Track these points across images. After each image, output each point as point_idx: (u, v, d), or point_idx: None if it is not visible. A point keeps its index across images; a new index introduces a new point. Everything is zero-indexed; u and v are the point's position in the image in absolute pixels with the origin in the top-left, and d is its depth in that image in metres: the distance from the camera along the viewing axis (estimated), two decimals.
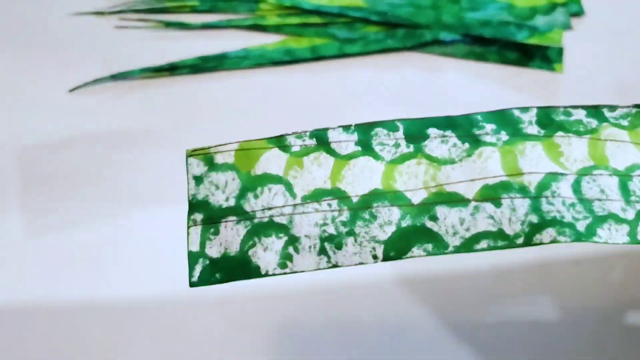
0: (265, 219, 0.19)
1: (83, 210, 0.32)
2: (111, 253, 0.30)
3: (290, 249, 0.18)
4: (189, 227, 0.19)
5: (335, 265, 0.18)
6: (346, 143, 0.19)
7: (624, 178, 0.19)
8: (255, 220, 0.19)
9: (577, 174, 0.19)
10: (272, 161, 0.19)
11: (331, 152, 0.19)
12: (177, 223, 0.32)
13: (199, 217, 0.19)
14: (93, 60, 0.40)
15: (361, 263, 0.18)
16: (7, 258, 0.30)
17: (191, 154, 0.19)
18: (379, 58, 0.40)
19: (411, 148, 0.20)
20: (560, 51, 0.39)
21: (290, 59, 0.39)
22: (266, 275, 0.18)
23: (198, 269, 0.19)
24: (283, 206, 0.19)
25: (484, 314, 0.28)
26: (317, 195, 0.19)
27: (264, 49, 0.40)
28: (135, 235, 0.31)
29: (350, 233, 0.18)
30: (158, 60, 0.39)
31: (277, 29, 0.42)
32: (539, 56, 0.39)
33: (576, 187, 0.19)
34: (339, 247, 0.18)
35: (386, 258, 0.18)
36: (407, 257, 0.18)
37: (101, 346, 0.28)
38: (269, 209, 0.19)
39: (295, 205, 0.19)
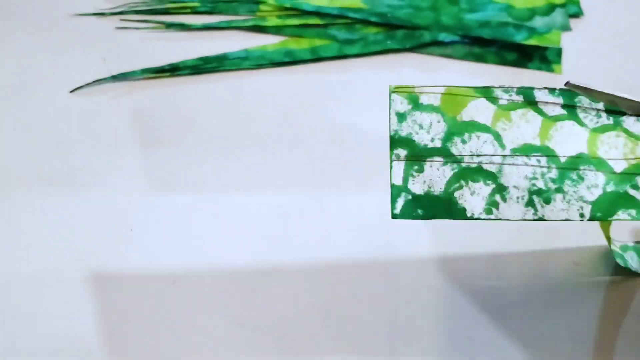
0: (474, 165, 0.19)
1: (83, 210, 0.32)
2: (111, 255, 0.31)
3: (497, 197, 0.19)
4: (391, 161, 0.20)
5: (541, 219, 0.19)
6: (553, 105, 0.20)
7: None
8: (463, 164, 0.19)
9: None
10: (479, 110, 0.20)
11: (539, 111, 0.20)
12: (176, 222, 0.32)
13: (402, 152, 0.20)
14: (94, 61, 0.40)
15: (568, 219, 0.19)
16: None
17: (395, 90, 0.20)
18: (378, 58, 0.40)
19: (611, 120, 0.20)
20: (559, 52, 0.39)
21: (290, 60, 0.40)
22: (471, 218, 0.19)
23: (400, 202, 0.20)
24: (492, 155, 0.19)
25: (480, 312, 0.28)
26: (526, 150, 0.19)
27: (264, 50, 0.40)
28: (134, 233, 0.31)
29: (559, 190, 0.19)
30: (159, 61, 0.40)
31: (277, 30, 0.42)
32: (538, 57, 0.39)
33: (611, 175, 0.20)
34: (547, 201, 0.19)
35: (593, 218, 0.19)
36: (613, 219, 0.19)
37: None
38: (478, 155, 0.19)
39: (504, 156, 0.19)
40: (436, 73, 0.39)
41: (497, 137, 0.19)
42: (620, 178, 0.19)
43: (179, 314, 0.28)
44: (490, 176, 0.19)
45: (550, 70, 0.39)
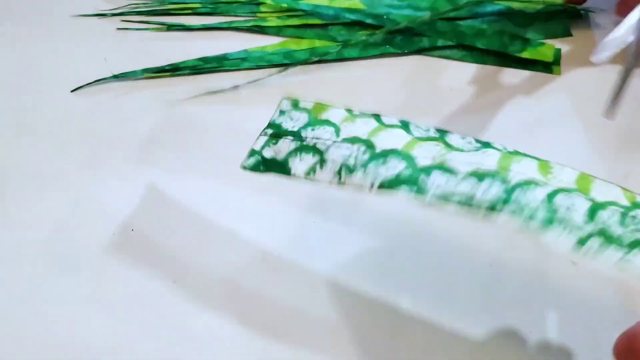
0: (311, 144, 0.26)
1: (84, 210, 0.32)
2: (112, 255, 0.31)
3: (317, 166, 0.25)
4: (260, 135, 0.27)
5: (342, 184, 0.24)
6: (392, 119, 0.26)
7: (597, 205, 0.22)
8: (304, 143, 0.26)
9: (557, 188, 0.22)
10: (335, 115, 0.26)
11: (379, 120, 0.26)
12: (176, 222, 0.32)
13: (269, 131, 0.27)
14: (96, 61, 0.40)
15: (360, 185, 0.24)
16: None
17: (286, 98, 0.27)
18: (377, 58, 0.40)
19: (437, 134, 0.25)
20: (558, 53, 0.39)
21: (289, 62, 0.40)
22: (293, 176, 0.25)
23: (252, 160, 0.26)
24: (327, 140, 0.25)
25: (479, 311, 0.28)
26: (353, 140, 0.25)
27: (264, 51, 0.40)
28: (135, 233, 0.31)
29: (364, 166, 0.24)
30: (160, 61, 0.40)
31: (277, 31, 0.42)
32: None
33: (550, 195, 0.22)
34: (350, 172, 0.24)
35: (379, 188, 0.23)
36: (394, 192, 0.23)
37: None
38: (317, 139, 0.26)
39: (335, 142, 0.25)
40: (435, 73, 0.39)
41: (337, 130, 0.26)
42: (420, 170, 0.23)
43: (179, 314, 0.28)
44: (318, 152, 0.25)
45: (550, 71, 0.39)
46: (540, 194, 0.22)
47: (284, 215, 0.32)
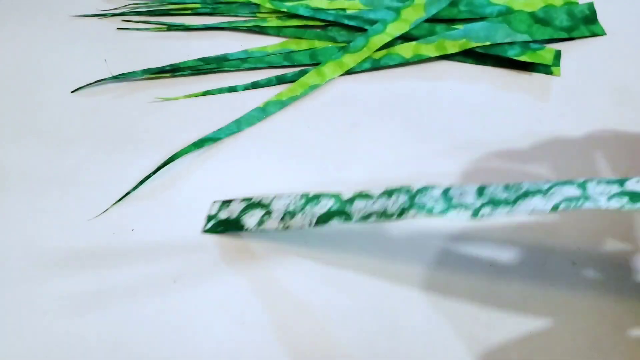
0: (257, 201, 0.30)
1: (84, 210, 0.32)
2: (113, 254, 0.31)
3: (265, 217, 0.30)
4: (213, 203, 0.32)
5: (287, 228, 0.29)
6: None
7: (483, 186, 0.27)
8: (252, 201, 0.30)
9: (449, 186, 0.27)
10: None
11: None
12: (177, 222, 0.32)
13: (219, 200, 0.32)
14: (96, 61, 0.40)
15: (301, 226, 0.29)
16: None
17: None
18: None
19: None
20: (558, 54, 0.39)
21: (289, 64, 0.40)
22: (247, 230, 0.30)
23: (211, 224, 0.31)
24: (269, 195, 0.30)
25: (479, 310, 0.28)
26: (294, 193, 0.30)
27: (264, 51, 0.40)
28: (135, 233, 0.31)
29: (302, 209, 0.29)
30: (160, 62, 0.40)
31: (277, 31, 0.42)
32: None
33: (445, 192, 0.27)
34: (292, 216, 0.29)
35: (316, 224, 0.28)
36: (325, 225, 0.28)
37: None
38: (261, 196, 0.30)
39: (276, 196, 0.30)
40: (434, 73, 0.39)
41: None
42: (345, 201, 0.28)
43: (180, 313, 0.28)
44: (265, 206, 0.30)
45: (549, 72, 0.39)
46: (436, 192, 0.27)
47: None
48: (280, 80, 0.39)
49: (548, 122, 0.36)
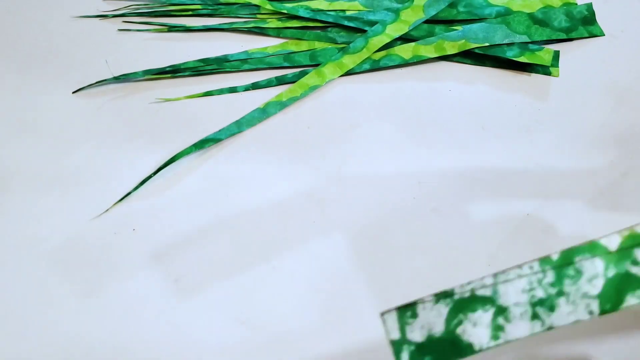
0: (467, 294, 0.18)
1: (84, 210, 0.33)
2: (114, 254, 0.31)
3: (501, 320, 0.18)
4: (382, 315, 0.19)
5: (550, 328, 0.18)
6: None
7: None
8: (456, 297, 0.18)
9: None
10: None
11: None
12: (177, 222, 0.32)
13: (390, 309, 0.19)
14: (97, 62, 0.40)
15: (577, 321, 0.18)
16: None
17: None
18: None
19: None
20: (556, 55, 0.39)
21: (289, 65, 0.40)
22: (480, 350, 0.18)
23: (405, 356, 0.18)
24: (482, 278, 0.18)
25: None
26: (518, 267, 0.19)
27: (264, 52, 0.41)
28: (136, 233, 0.31)
29: (561, 293, 0.18)
30: (160, 63, 0.40)
31: (277, 32, 0.42)
32: None
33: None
34: (552, 309, 0.18)
35: (603, 312, 0.18)
36: (623, 308, 0.18)
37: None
38: (468, 283, 0.18)
39: (495, 275, 0.18)
40: (434, 74, 0.39)
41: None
42: (618, 256, 0.18)
43: (181, 313, 0.29)
44: (488, 301, 0.18)
45: (548, 73, 0.39)
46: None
47: (285, 213, 0.32)
48: (280, 81, 0.39)
49: (547, 123, 0.36)
